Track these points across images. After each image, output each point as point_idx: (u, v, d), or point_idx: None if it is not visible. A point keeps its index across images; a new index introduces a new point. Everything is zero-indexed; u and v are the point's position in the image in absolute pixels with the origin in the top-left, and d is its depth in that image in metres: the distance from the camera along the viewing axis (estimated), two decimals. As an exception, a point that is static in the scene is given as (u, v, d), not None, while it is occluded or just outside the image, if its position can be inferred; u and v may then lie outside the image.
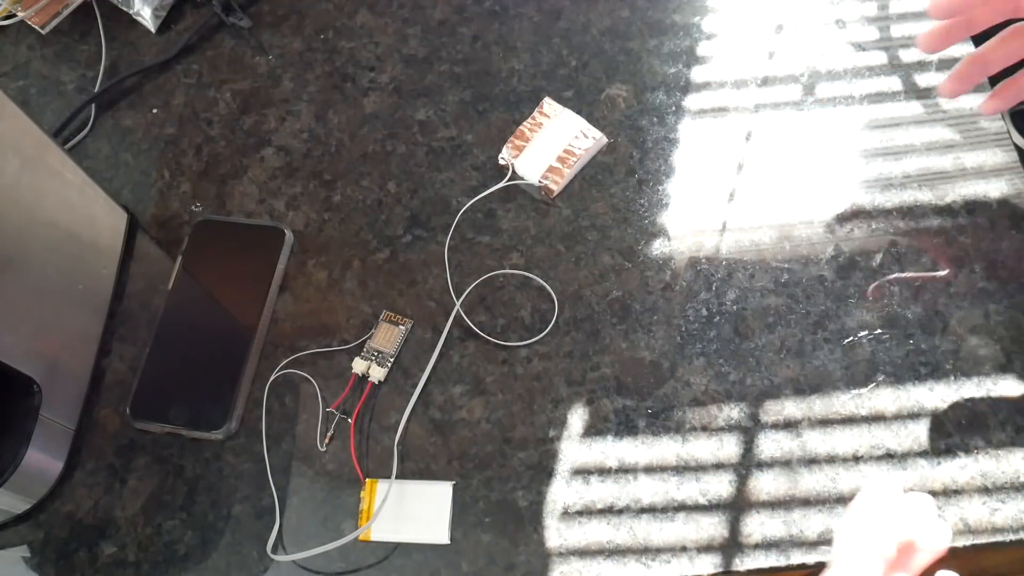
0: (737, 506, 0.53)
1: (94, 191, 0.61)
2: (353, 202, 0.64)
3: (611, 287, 0.60)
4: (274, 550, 0.53)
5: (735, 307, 0.59)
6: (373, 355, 0.58)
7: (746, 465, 0.54)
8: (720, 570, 0.52)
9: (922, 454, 0.54)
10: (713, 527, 0.53)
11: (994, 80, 0.60)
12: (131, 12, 0.72)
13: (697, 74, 0.68)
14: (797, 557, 0.52)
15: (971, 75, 0.52)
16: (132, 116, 0.69)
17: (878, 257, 0.60)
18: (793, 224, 0.62)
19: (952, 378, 0.56)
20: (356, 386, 0.58)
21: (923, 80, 0.66)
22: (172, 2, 0.72)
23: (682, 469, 0.54)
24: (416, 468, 0.55)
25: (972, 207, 0.61)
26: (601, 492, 0.54)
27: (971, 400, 0.55)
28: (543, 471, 0.55)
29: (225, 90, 0.69)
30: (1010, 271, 0.59)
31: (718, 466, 0.54)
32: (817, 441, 0.55)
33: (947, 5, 0.49)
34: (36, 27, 0.72)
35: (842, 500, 0.53)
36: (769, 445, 0.55)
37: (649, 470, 0.55)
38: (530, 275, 0.61)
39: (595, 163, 0.65)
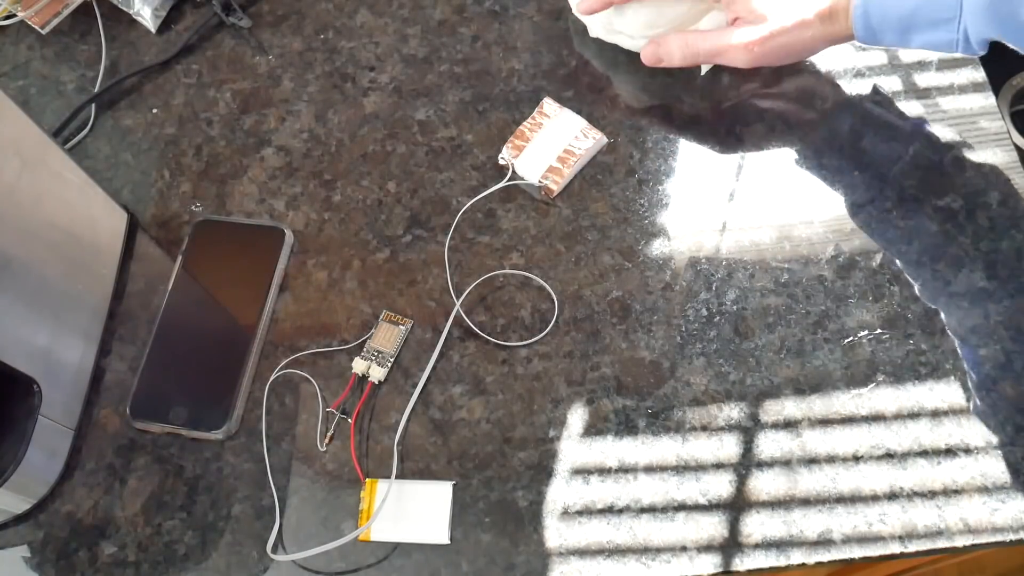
0: (737, 506, 0.53)
1: (94, 191, 0.61)
2: (353, 202, 0.64)
3: (611, 287, 0.60)
4: (274, 550, 0.53)
5: (735, 307, 0.59)
6: (373, 355, 0.58)
7: (746, 465, 0.54)
8: (720, 570, 0.52)
9: (922, 454, 0.54)
10: (713, 527, 0.53)
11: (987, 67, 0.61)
12: (131, 12, 0.72)
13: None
14: (797, 557, 0.52)
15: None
16: (132, 116, 0.69)
17: (878, 257, 0.60)
18: (793, 224, 0.62)
19: (952, 378, 0.56)
20: (356, 386, 0.58)
21: (923, 80, 0.66)
22: (172, 2, 0.72)
23: (682, 469, 0.54)
24: (416, 468, 0.55)
25: (972, 207, 0.61)
26: (601, 492, 0.54)
27: (971, 400, 0.55)
28: (543, 471, 0.55)
29: (225, 90, 0.69)
30: (1010, 271, 0.59)
31: (718, 466, 0.54)
32: (817, 441, 0.55)
33: None
34: (36, 27, 0.72)
35: (842, 500, 0.53)
36: (769, 445, 0.55)
37: (649, 470, 0.55)
38: (530, 275, 0.61)
39: (595, 163, 0.65)
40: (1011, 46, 0.54)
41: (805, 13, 0.58)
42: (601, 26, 0.67)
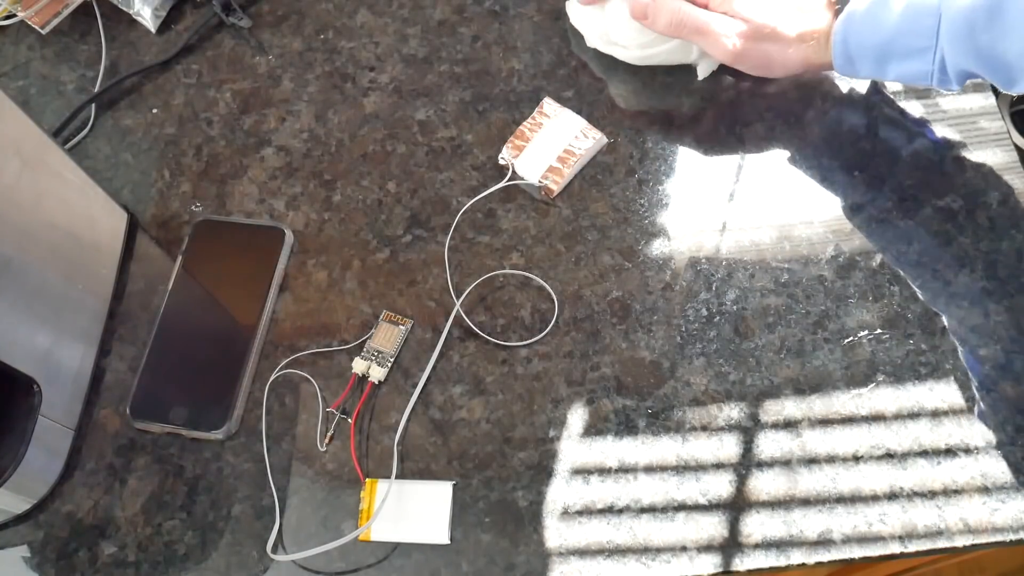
0: (737, 506, 0.53)
1: (94, 191, 0.61)
2: (353, 202, 0.64)
3: (611, 287, 0.60)
4: (274, 550, 0.53)
5: (735, 307, 0.59)
6: (373, 355, 0.58)
7: (746, 465, 0.54)
8: (720, 570, 0.52)
9: (922, 454, 0.54)
10: (713, 527, 0.53)
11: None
12: (131, 12, 0.72)
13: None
14: (797, 557, 0.52)
15: None
16: (132, 116, 0.69)
17: (878, 257, 0.60)
18: (793, 224, 0.62)
19: (952, 378, 0.56)
20: (356, 386, 0.58)
21: (923, 80, 0.66)
22: (172, 2, 0.72)
23: (682, 469, 0.54)
24: (416, 468, 0.55)
25: (972, 207, 0.61)
26: (601, 492, 0.54)
27: (971, 400, 0.55)
28: (543, 471, 0.55)
29: (225, 90, 0.69)
30: (1010, 271, 0.59)
31: (718, 466, 0.54)
32: (817, 441, 0.55)
33: None
34: (36, 27, 0.72)
35: (842, 500, 0.53)
36: (769, 445, 0.55)
37: (649, 470, 0.55)
38: (530, 275, 0.61)
39: (595, 163, 0.65)
40: (988, 80, 0.54)
41: (790, 29, 0.59)
42: (598, 37, 0.67)
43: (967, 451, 0.54)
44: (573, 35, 0.69)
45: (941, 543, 0.52)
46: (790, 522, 0.53)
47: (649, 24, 0.62)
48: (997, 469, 0.53)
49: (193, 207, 0.65)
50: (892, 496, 0.53)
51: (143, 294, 0.62)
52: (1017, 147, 0.64)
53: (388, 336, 0.59)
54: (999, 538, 0.52)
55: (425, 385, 0.57)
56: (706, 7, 0.61)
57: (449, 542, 0.53)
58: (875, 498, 0.53)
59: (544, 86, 0.68)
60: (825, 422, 0.55)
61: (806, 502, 0.53)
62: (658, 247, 0.61)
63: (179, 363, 0.59)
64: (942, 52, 0.54)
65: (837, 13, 0.59)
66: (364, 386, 0.58)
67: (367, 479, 0.55)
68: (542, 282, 0.60)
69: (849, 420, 0.55)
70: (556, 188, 0.63)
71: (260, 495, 0.55)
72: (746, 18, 0.59)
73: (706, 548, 0.52)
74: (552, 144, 0.64)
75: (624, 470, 0.55)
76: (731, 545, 0.52)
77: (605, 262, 0.61)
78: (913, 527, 0.52)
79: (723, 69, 0.66)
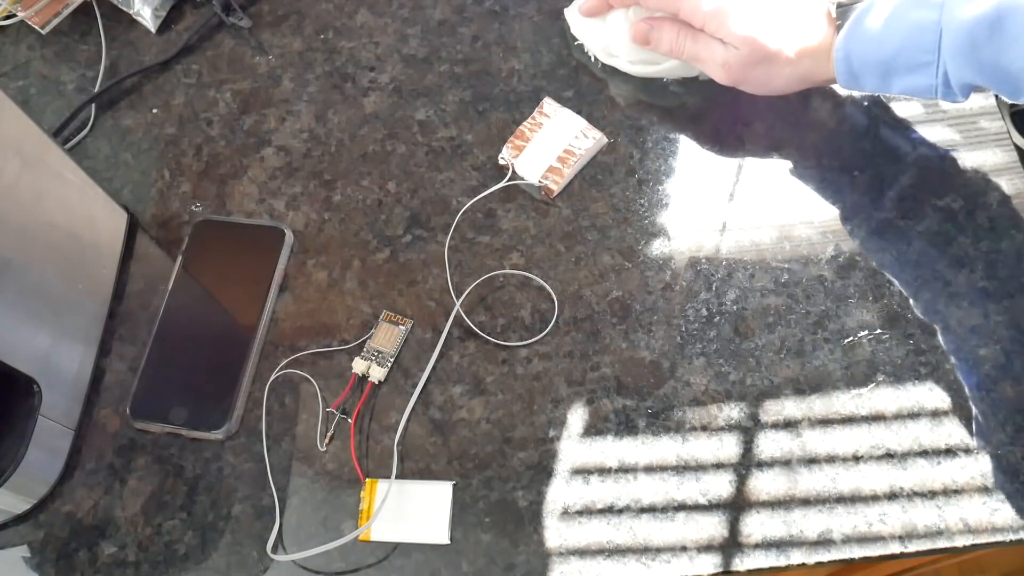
0: (737, 506, 0.53)
1: (94, 191, 0.61)
2: (353, 202, 0.64)
3: (611, 287, 0.60)
4: (274, 550, 0.53)
5: (735, 307, 0.59)
6: (373, 355, 0.58)
7: (746, 465, 0.54)
8: (720, 570, 0.52)
9: (922, 454, 0.54)
10: (713, 527, 0.53)
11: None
12: (131, 12, 0.72)
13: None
14: (797, 557, 0.52)
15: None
16: (132, 116, 0.69)
17: (878, 257, 0.60)
18: (793, 224, 0.62)
19: (952, 378, 0.56)
20: (356, 386, 0.58)
21: (923, 80, 0.66)
22: (172, 2, 0.72)
23: (682, 469, 0.54)
24: (416, 468, 0.55)
25: (972, 207, 0.61)
26: (601, 492, 0.54)
27: (971, 400, 0.55)
28: (543, 471, 0.55)
29: (225, 90, 0.69)
30: (1010, 271, 0.59)
31: (718, 466, 0.54)
32: (817, 441, 0.55)
33: None
34: (36, 27, 0.72)
35: (842, 500, 0.53)
36: (769, 445, 0.55)
37: (649, 470, 0.55)
38: (530, 275, 0.61)
39: (595, 163, 0.65)
40: (993, 91, 0.54)
41: (788, 50, 0.58)
42: (600, 49, 0.67)
43: (967, 451, 0.54)
44: (573, 41, 0.69)
45: (941, 543, 0.52)
46: (790, 522, 0.53)
47: (652, 47, 0.63)
48: (997, 469, 0.53)
49: (193, 207, 0.65)
50: (892, 496, 0.53)
51: (143, 294, 0.62)
52: (1017, 147, 0.64)
53: (388, 336, 0.59)
54: (999, 538, 0.52)
55: (425, 385, 0.57)
56: (701, 30, 0.60)
57: (449, 542, 0.53)
58: (875, 498, 0.53)
59: (544, 86, 0.68)
60: (825, 422, 0.55)
61: (806, 502, 0.53)
62: (658, 247, 0.61)
63: (179, 363, 0.59)
64: (945, 67, 0.53)
65: (837, 27, 0.58)
66: (364, 386, 0.58)
67: (367, 479, 0.55)
68: (542, 282, 0.60)
69: (849, 420, 0.55)
70: (556, 188, 0.63)
71: (260, 495, 0.55)
72: (743, 41, 0.58)
73: (706, 548, 0.52)
74: (552, 144, 0.64)
75: (624, 470, 0.55)
76: (731, 545, 0.52)
77: (605, 262, 0.61)
78: (913, 527, 0.52)
79: None
